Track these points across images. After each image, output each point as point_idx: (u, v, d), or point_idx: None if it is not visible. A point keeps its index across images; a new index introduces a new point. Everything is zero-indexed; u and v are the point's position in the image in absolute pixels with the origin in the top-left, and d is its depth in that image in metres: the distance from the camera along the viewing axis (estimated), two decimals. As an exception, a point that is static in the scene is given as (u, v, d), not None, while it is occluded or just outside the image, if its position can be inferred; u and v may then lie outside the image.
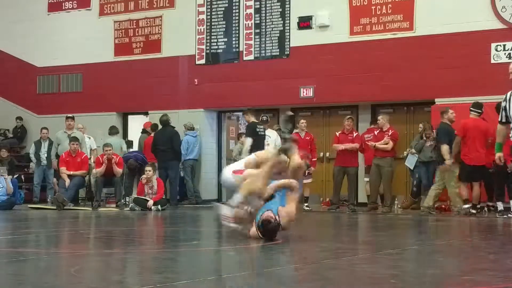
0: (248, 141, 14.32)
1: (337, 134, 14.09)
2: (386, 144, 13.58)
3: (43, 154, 16.32)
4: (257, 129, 13.45)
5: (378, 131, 13.96)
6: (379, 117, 14.12)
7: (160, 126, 15.76)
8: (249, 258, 6.87)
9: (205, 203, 15.81)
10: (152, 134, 15.92)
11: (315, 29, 15.63)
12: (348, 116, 14.30)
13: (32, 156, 16.69)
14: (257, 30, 16.29)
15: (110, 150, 14.48)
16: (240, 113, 17.58)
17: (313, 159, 14.27)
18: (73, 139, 14.64)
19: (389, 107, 15.46)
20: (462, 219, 11.91)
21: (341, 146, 13.87)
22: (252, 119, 13.84)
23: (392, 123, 14.92)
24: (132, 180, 15.39)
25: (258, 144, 13.04)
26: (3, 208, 13.66)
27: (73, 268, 5.77)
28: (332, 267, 6.01)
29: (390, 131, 13.80)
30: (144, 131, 16.84)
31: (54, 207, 13.87)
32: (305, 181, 14.13)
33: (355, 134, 14.07)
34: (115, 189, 14.70)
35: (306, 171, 14.20)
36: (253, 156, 8.19)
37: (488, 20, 13.95)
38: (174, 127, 15.76)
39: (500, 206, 12.20)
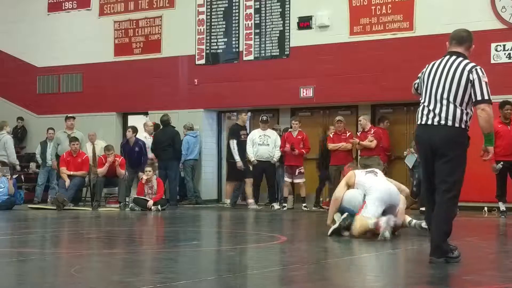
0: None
1: (331, 135, 14.17)
2: (371, 141, 13.62)
3: (49, 155, 16.21)
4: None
5: (361, 132, 14.01)
6: (360, 118, 14.16)
7: (161, 126, 15.76)
8: (249, 258, 6.87)
9: (205, 203, 15.82)
10: (153, 134, 15.92)
11: (315, 29, 15.61)
12: (338, 119, 14.21)
13: (38, 156, 16.51)
14: (257, 30, 16.28)
15: (112, 153, 14.43)
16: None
17: (303, 155, 14.26)
18: (73, 139, 14.61)
19: (389, 107, 15.45)
20: (462, 219, 11.90)
21: (333, 146, 13.99)
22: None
23: (392, 123, 14.91)
24: (131, 180, 15.38)
25: None
26: (3, 208, 13.63)
27: (73, 268, 5.77)
28: (332, 267, 6.02)
29: (372, 130, 13.83)
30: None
31: (54, 207, 13.87)
32: (297, 181, 14.15)
33: (348, 134, 14.11)
34: (118, 189, 14.69)
35: (297, 171, 14.22)
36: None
37: (488, 20, 13.92)
38: (175, 127, 15.76)
39: (502, 206, 12.15)
